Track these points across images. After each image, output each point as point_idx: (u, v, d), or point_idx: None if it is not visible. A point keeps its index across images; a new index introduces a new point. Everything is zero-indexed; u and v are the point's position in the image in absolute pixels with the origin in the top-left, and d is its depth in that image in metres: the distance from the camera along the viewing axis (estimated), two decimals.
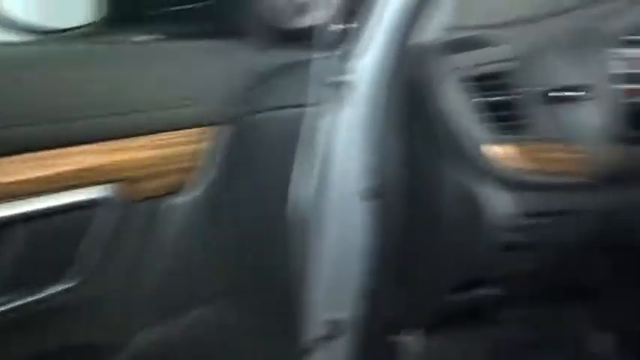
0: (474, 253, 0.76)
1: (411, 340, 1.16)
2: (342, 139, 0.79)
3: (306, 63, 0.66)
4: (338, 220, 0.83)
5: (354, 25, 0.74)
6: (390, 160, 0.80)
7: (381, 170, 0.81)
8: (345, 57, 0.74)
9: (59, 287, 0.55)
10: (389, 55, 0.76)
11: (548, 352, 1.38)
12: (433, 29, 0.78)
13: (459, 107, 0.71)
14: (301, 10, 0.63)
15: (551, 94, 0.74)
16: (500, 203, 0.71)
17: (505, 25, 0.81)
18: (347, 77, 0.74)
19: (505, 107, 0.72)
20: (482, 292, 0.91)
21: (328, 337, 0.94)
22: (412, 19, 0.76)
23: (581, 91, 0.74)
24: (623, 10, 0.80)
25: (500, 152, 0.70)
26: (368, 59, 0.76)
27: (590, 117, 0.75)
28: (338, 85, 0.74)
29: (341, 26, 0.72)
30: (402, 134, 0.78)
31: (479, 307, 1.05)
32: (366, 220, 0.85)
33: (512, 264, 0.81)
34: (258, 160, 0.70)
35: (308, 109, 0.68)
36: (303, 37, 0.66)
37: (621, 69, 0.76)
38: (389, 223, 0.84)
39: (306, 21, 0.66)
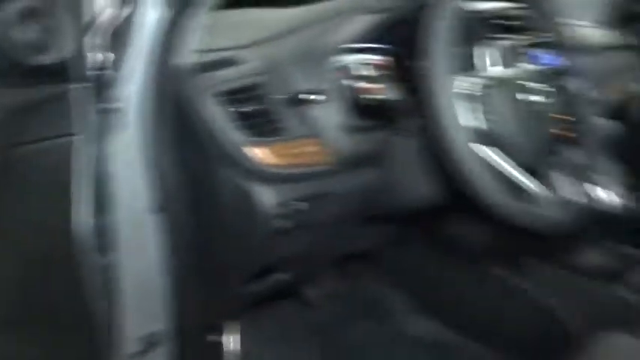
0: (257, 242, 0.88)
1: (228, 337, 1.24)
2: (123, 160, 0.84)
3: (64, 94, 0.69)
4: (132, 236, 0.88)
5: (114, 54, 0.79)
6: (170, 174, 0.88)
7: (163, 185, 0.88)
8: (107, 85, 0.79)
9: None
10: (150, 78, 0.83)
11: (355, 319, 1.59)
12: (188, 52, 0.87)
13: (219, 118, 0.81)
14: (46, 44, 0.66)
15: (294, 98, 0.89)
16: (266, 195, 0.83)
17: (250, 45, 0.94)
18: (114, 104, 0.80)
19: (258, 114, 0.85)
20: (278, 276, 1.04)
21: (144, 352, 0.98)
22: (168, 44, 0.84)
23: (319, 94, 0.90)
24: (342, 25, 0.98)
25: (259, 152, 0.83)
26: (132, 84, 0.83)
27: (329, 114, 0.92)
28: (105, 112, 0.79)
29: (100, 55, 0.77)
30: (176, 148, 0.86)
31: (282, 290, 1.17)
32: (157, 233, 0.91)
33: (290, 246, 0.94)
34: (28, 192, 0.71)
35: (75, 138, 0.72)
36: (57, 70, 0.69)
37: (350, 72, 0.95)
38: (178, 232, 0.91)
39: (57, 54, 0.68)
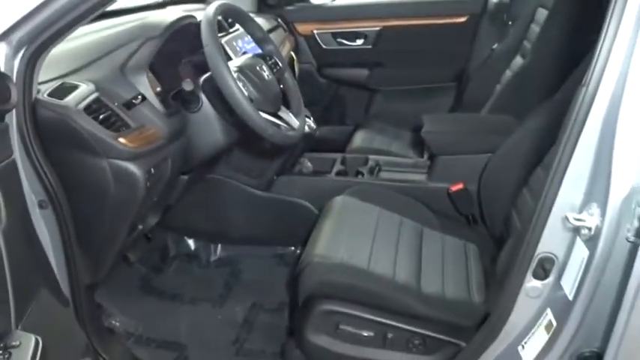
0: (135, 204, 1.27)
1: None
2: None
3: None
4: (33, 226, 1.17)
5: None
6: (50, 176, 1.19)
7: (44, 185, 1.18)
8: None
9: None
10: (19, 110, 1.12)
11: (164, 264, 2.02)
12: (36, 86, 1.18)
13: (91, 125, 1.17)
14: None
15: (126, 103, 1.29)
16: (135, 169, 1.25)
17: (76, 71, 1.29)
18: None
19: (110, 117, 1.23)
20: (135, 229, 1.44)
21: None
22: (26, 84, 1.13)
23: (138, 97, 1.33)
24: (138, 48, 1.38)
25: (123, 141, 1.23)
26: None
27: (150, 108, 1.35)
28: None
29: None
30: (59, 155, 1.18)
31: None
32: (44, 224, 1.21)
33: (149, 202, 1.37)
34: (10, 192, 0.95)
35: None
36: None
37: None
38: (62, 221, 1.23)
39: None
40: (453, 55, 2.66)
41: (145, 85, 1.35)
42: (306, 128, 2.00)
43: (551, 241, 1.02)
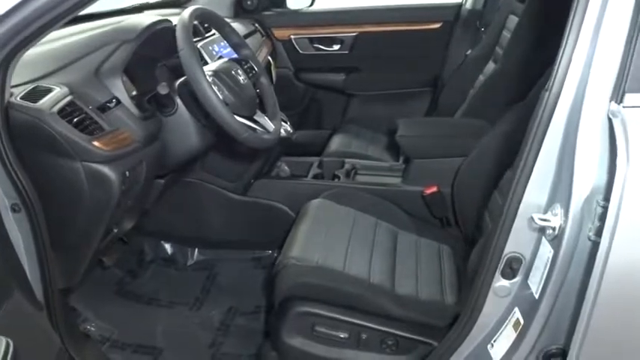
0: (109, 207, 1.27)
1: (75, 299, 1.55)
2: None
3: None
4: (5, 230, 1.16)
5: None
6: (22, 181, 1.18)
7: (16, 189, 1.18)
8: None
9: None
10: None
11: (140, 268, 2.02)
12: (8, 90, 1.17)
13: (65, 128, 1.17)
14: None
15: (100, 107, 1.29)
16: (110, 172, 1.25)
17: (50, 74, 1.29)
18: None
19: (84, 120, 1.23)
20: (111, 233, 1.43)
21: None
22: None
23: (113, 100, 1.33)
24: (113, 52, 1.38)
25: (97, 144, 1.22)
26: None
27: (125, 112, 1.35)
28: None
29: None
30: (30, 159, 1.18)
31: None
32: (16, 228, 1.21)
33: (124, 204, 1.37)
34: None
35: None
36: None
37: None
38: (35, 225, 1.22)
39: None
40: (428, 60, 2.70)
41: (120, 89, 1.35)
42: (283, 132, 2.01)
43: (518, 241, 1.06)
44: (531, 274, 1.07)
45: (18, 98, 1.17)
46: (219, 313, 1.88)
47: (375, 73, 2.82)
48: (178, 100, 1.45)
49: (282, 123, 2.04)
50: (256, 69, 1.64)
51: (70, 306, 1.49)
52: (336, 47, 2.82)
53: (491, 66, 2.27)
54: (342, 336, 1.39)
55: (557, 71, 0.93)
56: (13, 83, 1.20)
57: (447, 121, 2.28)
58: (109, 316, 1.80)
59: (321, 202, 1.79)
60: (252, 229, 2.06)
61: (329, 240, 1.58)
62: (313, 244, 1.55)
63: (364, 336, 1.39)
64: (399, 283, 1.49)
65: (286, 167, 2.15)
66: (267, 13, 2.85)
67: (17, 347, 0.90)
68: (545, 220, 0.98)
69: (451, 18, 2.66)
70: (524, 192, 1.02)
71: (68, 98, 1.23)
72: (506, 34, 2.17)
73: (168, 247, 2.15)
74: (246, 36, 2.45)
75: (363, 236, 1.65)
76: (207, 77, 1.36)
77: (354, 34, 2.77)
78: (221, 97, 1.37)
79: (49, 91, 1.23)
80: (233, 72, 1.49)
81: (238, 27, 2.50)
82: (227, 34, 1.62)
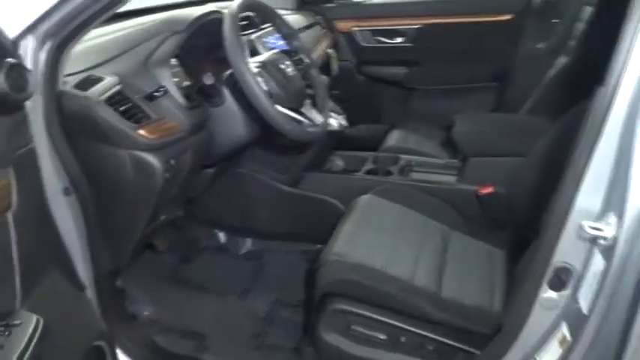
0: (153, 194, 1.30)
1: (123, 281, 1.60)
2: (44, 154, 1.15)
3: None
4: (55, 211, 1.21)
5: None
6: (74, 165, 1.23)
7: (68, 173, 1.23)
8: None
9: None
10: (45, 100, 1.17)
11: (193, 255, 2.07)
12: (62, 78, 1.22)
13: (111, 116, 1.21)
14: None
15: (147, 96, 1.33)
16: (154, 160, 1.27)
17: (102, 64, 1.33)
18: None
19: (131, 109, 1.27)
20: (157, 219, 1.47)
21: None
22: (51, 75, 1.18)
23: (160, 90, 1.36)
24: (162, 42, 1.42)
25: (142, 132, 1.26)
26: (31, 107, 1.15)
27: (171, 101, 1.38)
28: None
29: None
30: (81, 144, 1.22)
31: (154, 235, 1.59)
32: (68, 210, 1.26)
33: (168, 193, 1.40)
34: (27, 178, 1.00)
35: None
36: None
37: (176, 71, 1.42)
38: (85, 208, 1.27)
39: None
40: (495, 54, 2.57)
41: (168, 78, 1.37)
42: (336, 125, 1.99)
43: (567, 250, 0.97)
44: (581, 287, 0.98)
45: (71, 87, 1.22)
46: (265, 303, 1.89)
47: (438, 66, 2.73)
48: (226, 91, 1.46)
49: (337, 116, 2.01)
50: (306, 60, 1.62)
51: (119, 287, 1.54)
52: (399, 40, 2.74)
53: (562, 60, 2.12)
54: (380, 337, 1.35)
55: (614, 64, 0.83)
56: (67, 72, 1.25)
57: (508, 118, 2.16)
58: (159, 300, 1.86)
59: (370, 197, 1.75)
60: (302, 222, 2.05)
61: (375, 237, 1.54)
62: (358, 240, 1.51)
63: (403, 339, 1.34)
64: (446, 285, 1.42)
65: (339, 161, 2.12)
66: (329, 5, 2.83)
67: (51, 325, 0.93)
68: (597, 229, 0.89)
69: (522, 9, 2.51)
70: (575, 197, 0.94)
71: (117, 87, 1.27)
72: (580, 26, 2.01)
73: (221, 235, 2.18)
74: (306, 28, 2.43)
75: (411, 235, 1.60)
76: (253, 68, 1.36)
77: (417, 26, 2.68)
78: (265, 88, 1.36)
79: (100, 80, 1.27)
80: (281, 63, 1.48)
81: (298, 19, 2.50)
82: (278, 25, 1.61)
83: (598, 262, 0.92)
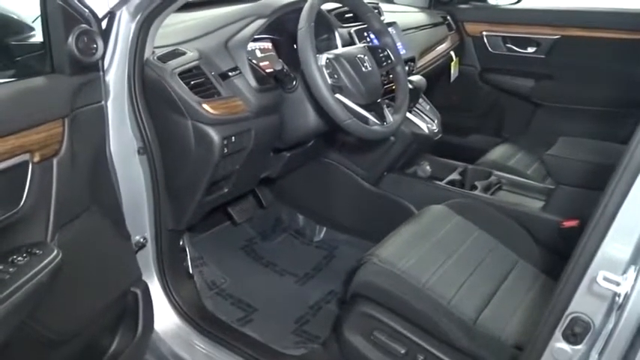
0: (211, 164, 1.40)
1: (189, 240, 1.74)
2: (115, 117, 1.29)
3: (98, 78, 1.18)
4: (127, 168, 1.36)
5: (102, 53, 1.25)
6: (147, 128, 1.37)
7: (142, 136, 1.37)
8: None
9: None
10: (130, 66, 1.31)
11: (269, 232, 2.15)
12: (150, 49, 1.36)
13: (181, 88, 1.32)
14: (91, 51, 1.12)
15: (222, 74, 1.41)
16: (214, 132, 1.36)
17: (188, 41, 1.45)
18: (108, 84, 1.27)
19: (202, 84, 1.37)
20: (220, 190, 1.56)
21: (141, 246, 1.46)
22: (139, 45, 1.33)
23: (235, 70, 1.44)
24: (245, 25, 1.50)
25: (207, 107, 1.35)
26: (117, 71, 1.30)
27: (243, 82, 1.46)
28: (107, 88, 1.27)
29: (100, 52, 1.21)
30: (152, 110, 1.36)
31: (218, 206, 1.69)
32: (140, 168, 1.40)
33: (228, 166, 1.48)
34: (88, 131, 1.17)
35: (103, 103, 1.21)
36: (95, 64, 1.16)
37: (254, 54, 1.50)
38: (154, 167, 1.40)
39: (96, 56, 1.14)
40: None
41: (243, 60, 1.44)
42: (426, 130, 1.92)
43: (585, 301, 0.85)
44: (597, 344, 0.85)
45: (155, 57, 1.35)
46: (319, 292, 1.91)
47: (571, 83, 2.48)
48: (299, 79, 1.50)
49: (429, 121, 1.95)
50: (392, 58, 1.59)
51: (181, 246, 1.67)
52: (531, 50, 2.55)
53: None
54: (399, 350, 1.30)
55: None
56: (158, 44, 1.39)
57: (614, 147, 1.88)
58: (226, 267, 1.98)
59: (441, 209, 1.67)
60: (376, 221, 2.02)
61: (429, 250, 1.47)
62: (408, 249, 1.46)
63: (421, 357, 1.27)
64: (488, 318, 1.31)
65: (428, 167, 2.04)
66: (462, 6, 2.72)
67: (83, 262, 1.06)
68: (611, 281, 0.77)
69: None
70: (600, 242, 0.81)
71: (195, 62, 1.38)
72: None
73: (301, 219, 2.24)
74: (431, 26, 2.38)
75: (470, 256, 1.50)
76: (323, 60, 1.38)
77: (554, 36, 2.46)
78: (330, 80, 1.37)
79: (183, 54, 1.39)
80: (357, 58, 1.47)
81: (423, 17, 2.45)
82: (369, 19, 1.60)
83: (612, 319, 0.79)
